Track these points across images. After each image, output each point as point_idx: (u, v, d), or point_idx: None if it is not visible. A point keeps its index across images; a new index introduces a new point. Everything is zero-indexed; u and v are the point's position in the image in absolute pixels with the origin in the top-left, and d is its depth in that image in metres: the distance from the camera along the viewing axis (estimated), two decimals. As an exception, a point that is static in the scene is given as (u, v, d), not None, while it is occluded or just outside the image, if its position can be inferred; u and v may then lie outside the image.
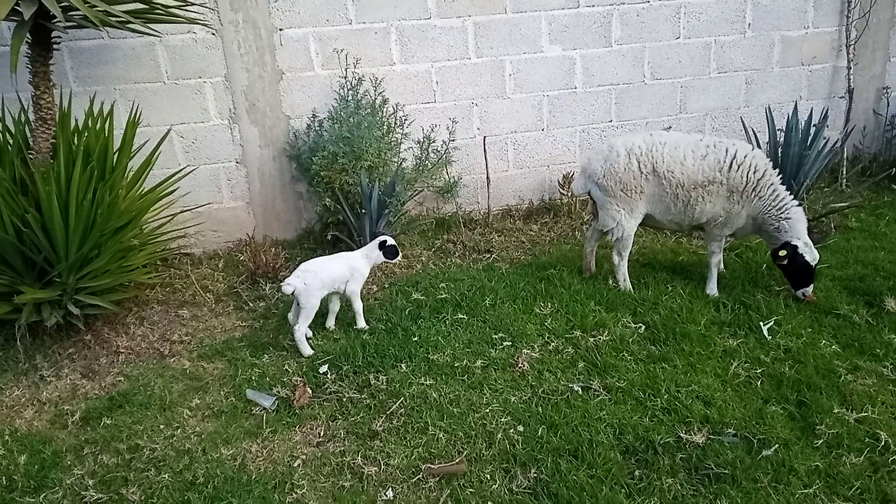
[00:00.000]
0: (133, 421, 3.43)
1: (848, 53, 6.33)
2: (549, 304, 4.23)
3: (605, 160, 4.19)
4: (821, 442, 3.02)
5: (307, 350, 3.87)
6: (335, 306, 4.15)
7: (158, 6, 4.11)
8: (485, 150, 5.75)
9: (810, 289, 4.12)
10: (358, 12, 5.21)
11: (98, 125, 4.16)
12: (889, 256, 4.73)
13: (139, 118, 4.40)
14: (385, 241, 4.04)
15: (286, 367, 3.78)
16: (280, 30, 5.11)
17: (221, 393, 3.64)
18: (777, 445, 2.98)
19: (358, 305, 4.05)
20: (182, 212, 4.81)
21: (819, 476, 2.83)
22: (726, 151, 4.09)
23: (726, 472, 2.83)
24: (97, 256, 3.94)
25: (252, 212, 5.43)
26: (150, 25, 4.03)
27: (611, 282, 4.48)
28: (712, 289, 4.34)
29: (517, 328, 3.96)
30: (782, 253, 4.03)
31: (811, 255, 4.03)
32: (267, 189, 5.41)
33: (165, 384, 3.72)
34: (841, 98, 6.48)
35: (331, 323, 4.14)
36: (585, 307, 4.14)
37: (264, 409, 3.46)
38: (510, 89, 5.77)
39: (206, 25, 4.69)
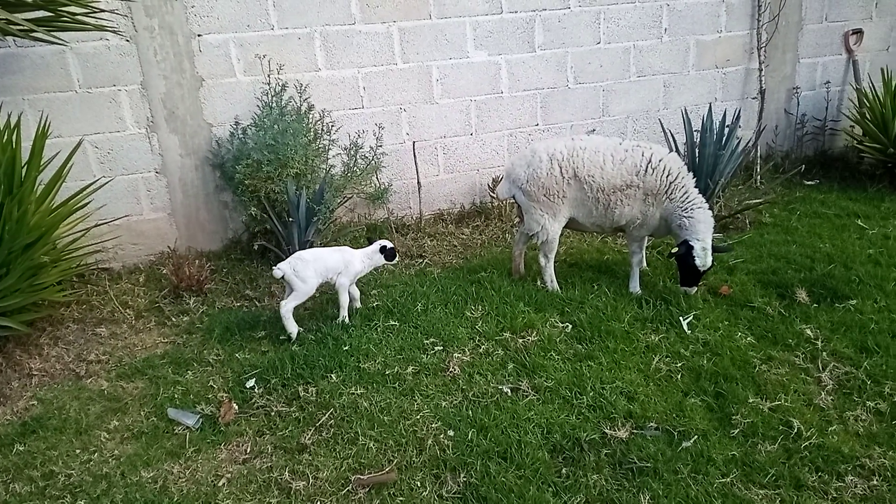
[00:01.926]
0: (47, 446, 3.26)
1: (759, 56, 6.64)
2: (480, 306, 4.26)
3: (528, 165, 4.25)
4: (737, 431, 3.14)
5: (292, 328, 3.98)
6: (355, 293, 4.30)
7: (65, 14, 3.94)
8: (415, 156, 5.76)
9: (694, 289, 4.26)
10: (280, 18, 5.13)
11: (4, 137, 3.94)
12: (800, 250, 4.98)
13: (48, 129, 4.20)
14: (385, 246, 4.24)
15: (211, 383, 3.67)
16: (198, 35, 4.98)
17: (142, 413, 3.51)
18: (696, 437, 3.08)
19: (344, 300, 4.14)
20: (98, 225, 4.63)
21: (736, 465, 2.94)
22: (642, 155, 4.20)
23: (648, 465, 2.92)
24: (6, 275, 3.75)
25: (174, 223, 5.26)
26: (56, 34, 3.85)
27: (539, 283, 4.55)
28: (635, 286, 4.47)
29: (448, 332, 3.97)
30: (675, 249, 4.17)
31: (703, 260, 4.08)
32: (190, 199, 5.25)
33: (82, 406, 3.56)
34: (754, 99, 6.79)
35: (343, 314, 4.16)
36: (515, 309, 4.18)
37: (187, 427, 3.36)
38: (438, 94, 5.79)
39: (116, 32, 4.52)
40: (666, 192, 4.19)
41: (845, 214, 5.76)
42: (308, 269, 3.99)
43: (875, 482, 2.83)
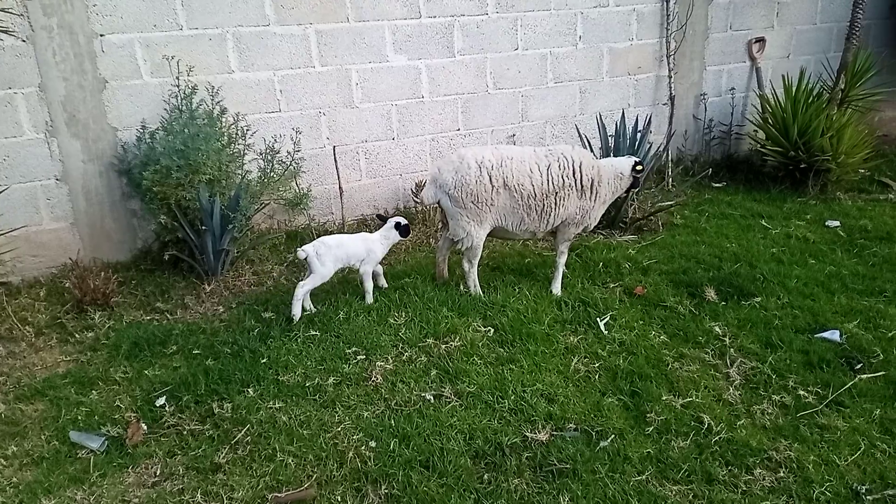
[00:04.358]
0: (-66, 479, 3.00)
1: (669, 63, 6.91)
2: (404, 313, 4.22)
3: (455, 171, 4.23)
4: (652, 429, 3.23)
5: (297, 311, 4.10)
6: (379, 269, 4.48)
7: (-53, 9, 3.64)
8: (335, 160, 5.66)
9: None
10: (189, 17, 4.94)
11: None
12: (709, 250, 5.20)
13: (-70, 134, 3.88)
14: (399, 223, 4.44)
15: (117, 402, 3.48)
16: (101, 35, 4.73)
17: (42, 437, 3.29)
18: (613, 436, 3.15)
19: (368, 285, 4.35)
20: (-9, 237, 4.31)
21: (651, 462, 3.03)
22: (563, 157, 4.32)
23: (568, 466, 2.96)
24: None
25: (77, 233, 4.96)
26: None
27: (462, 288, 4.56)
28: (557, 288, 4.55)
29: (371, 340, 3.91)
30: (639, 168, 4.49)
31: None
32: (94, 207, 4.97)
33: (-26, 433, 3.30)
34: (664, 105, 7.07)
35: (369, 299, 4.35)
36: (438, 314, 4.17)
37: (92, 451, 3.17)
38: (358, 98, 5.72)
39: (8, 32, 4.22)
40: (599, 181, 4.38)
41: (750, 215, 6.07)
42: (329, 254, 4.18)
43: (782, 474, 2.96)
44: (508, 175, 4.22)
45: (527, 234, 4.52)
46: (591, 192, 4.39)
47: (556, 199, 4.31)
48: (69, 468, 3.07)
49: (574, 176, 4.31)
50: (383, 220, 4.56)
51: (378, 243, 4.40)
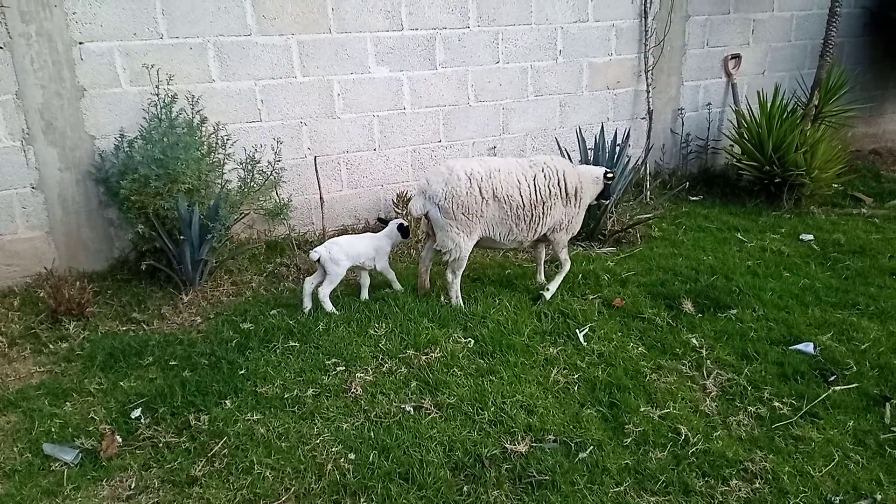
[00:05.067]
0: None
1: (647, 78, 7.01)
2: (384, 324, 4.21)
3: (445, 183, 4.24)
4: (630, 440, 3.25)
5: (330, 306, 4.34)
6: (366, 280, 4.62)
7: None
8: (316, 171, 5.65)
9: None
10: (170, 26, 4.92)
11: None
12: (686, 262, 5.27)
13: None
14: (401, 224, 4.61)
15: (92, 414, 3.43)
16: (80, 43, 4.69)
17: (15, 449, 3.22)
18: (592, 447, 3.17)
19: (391, 275, 4.65)
20: (-37, 246, 4.23)
21: (629, 473, 3.04)
22: (546, 166, 4.43)
23: (547, 477, 2.96)
24: None
25: (53, 242, 4.90)
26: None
27: (443, 298, 4.56)
28: (551, 293, 4.67)
29: (351, 352, 3.90)
30: (609, 175, 4.65)
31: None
32: (71, 216, 4.91)
33: (-57, 446, 3.22)
34: (642, 119, 7.16)
35: (364, 295, 4.60)
36: (419, 325, 4.16)
37: (66, 463, 3.11)
38: (340, 109, 5.73)
39: (-16, 37, 4.18)
40: (583, 187, 4.53)
41: (726, 228, 6.16)
42: (342, 253, 4.34)
43: (757, 485, 2.99)
44: (497, 186, 4.27)
45: (514, 244, 4.59)
46: (576, 199, 4.53)
47: (543, 209, 4.41)
48: (42, 481, 3.02)
49: (559, 185, 4.43)
50: (384, 222, 4.74)
51: (384, 241, 4.60)
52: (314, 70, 5.52)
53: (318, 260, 4.32)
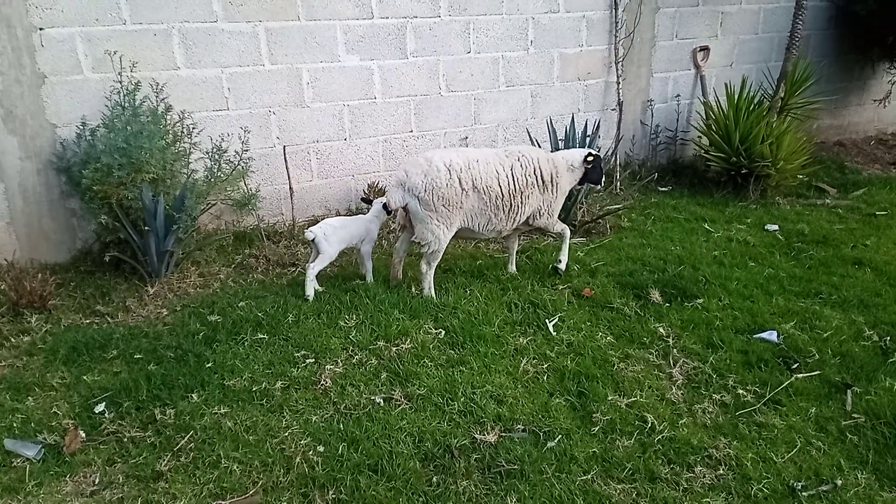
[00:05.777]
0: None
1: (617, 69, 7.05)
2: (355, 315, 4.20)
3: (424, 174, 4.20)
4: (597, 429, 3.29)
5: (310, 291, 4.39)
6: (369, 264, 4.70)
7: None
8: (286, 160, 5.59)
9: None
10: (133, 12, 4.80)
11: None
12: (654, 252, 5.33)
13: None
14: (385, 203, 4.50)
15: (55, 409, 3.35)
16: (40, 29, 4.55)
17: (-26, 446, 3.14)
18: (560, 436, 3.20)
19: (369, 265, 4.70)
20: (-83, 237, 4.09)
21: (596, 461, 3.08)
22: (522, 155, 4.47)
23: (516, 467, 2.98)
24: None
25: (14, 233, 4.77)
26: None
27: (414, 289, 4.56)
28: (564, 263, 4.84)
29: (321, 344, 3.88)
30: (590, 158, 4.69)
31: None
32: (31, 206, 4.78)
33: None
34: (613, 110, 7.21)
35: (369, 278, 4.70)
36: (390, 316, 4.16)
37: (27, 459, 3.04)
38: (309, 98, 5.66)
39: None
40: (559, 173, 4.57)
41: (694, 219, 6.24)
42: (336, 234, 4.42)
43: (721, 471, 3.04)
44: (477, 177, 4.28)
45: (492, 234, 4.62)
46: (553, 185, 4.58)
47: (521, 198, 4.46)
48: (3, 477, 2.94)
49: (535, 173, 4.47)
50: (369, 202, 4.86)
51: (373, 223, 4.70)
52: (282, 58, 5.44)
53: (314, 240, 4.37)
